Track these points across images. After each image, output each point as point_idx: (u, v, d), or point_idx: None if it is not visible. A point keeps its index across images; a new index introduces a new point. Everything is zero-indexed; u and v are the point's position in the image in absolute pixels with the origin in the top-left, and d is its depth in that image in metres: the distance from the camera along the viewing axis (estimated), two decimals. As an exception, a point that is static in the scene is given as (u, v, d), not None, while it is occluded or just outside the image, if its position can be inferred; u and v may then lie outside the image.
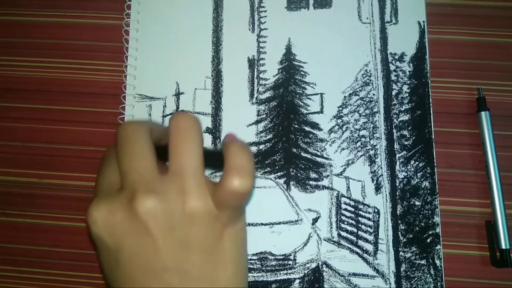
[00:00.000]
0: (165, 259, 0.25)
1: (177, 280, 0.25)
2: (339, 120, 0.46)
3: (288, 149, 0.46)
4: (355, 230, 0.44)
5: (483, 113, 0.44)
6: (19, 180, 0.47)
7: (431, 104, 0.45)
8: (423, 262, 0.43)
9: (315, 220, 0.44)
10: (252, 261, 0.43)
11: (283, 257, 0.43)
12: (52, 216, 0.46)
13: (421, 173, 0.44)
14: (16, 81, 0.48)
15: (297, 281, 0.43)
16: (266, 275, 0.43)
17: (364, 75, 0.46)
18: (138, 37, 0.48)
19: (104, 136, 0.47)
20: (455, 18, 0.48)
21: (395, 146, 0.45)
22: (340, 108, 0.46)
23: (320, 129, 0.46)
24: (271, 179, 0.45)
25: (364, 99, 0.46)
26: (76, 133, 0.47)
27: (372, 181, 0.44)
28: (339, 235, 0.44)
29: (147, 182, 0.25)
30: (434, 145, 0.45)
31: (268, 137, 0.46)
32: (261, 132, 0.46)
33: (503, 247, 0.42)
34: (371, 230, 0.44)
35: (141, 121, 0.28)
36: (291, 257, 0.43)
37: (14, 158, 0.47)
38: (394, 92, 0.46)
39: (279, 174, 0.45)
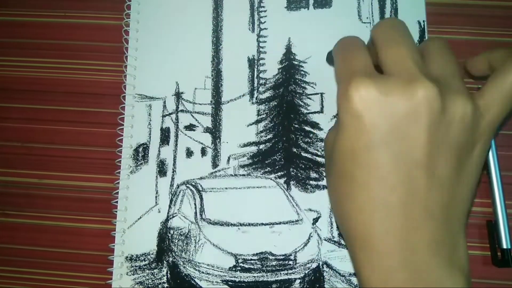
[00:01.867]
0: (421, 152, 0.24)
1: (424, 179, 0.24)
2: (340, 120, 0.46)
3: (288, 148, 0.45)
4: (355, 230, 0.44)
5: (483, 112, 0.44)
6: (19, 181, 0.47)
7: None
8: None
9: (315, 220, 0.44)
10: (252, 261, 0.43)
11: (283, 257, 0.43)
12: (52, 216, 0.46)
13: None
14: (16, 81, 0.48)
15: (298, 281, 0.43)
16: (267, 275, 0.43)
17: (364, 75, 0.46)
18: (138, 37, 0.48)
19: (104, 136, 0.47)
20: (456, 18, 0.48)
21: (396, 146, 0.45)
22: (340, 108, 0.46)
23: (320, 129, 0.46)
24: (271, 179, 0.45)
25: (364, 99, 0.46)
26: (76, 133, 0.47)
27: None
28: (340, 235, 0.44)
29: (427, 74, 0.25)
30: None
31: (268, 136, 0.46)
32: (261, 131, 0.46)
33: (505, 246, 0.42)
34: (372, 230, 0.43)
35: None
36: (292, 257, 0.43)
37: (14, 158, 0.47)
38: (394, 92, 0.46)
39: (279, 174, 0.45)
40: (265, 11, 0.48)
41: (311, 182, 0.45)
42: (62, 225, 0.45)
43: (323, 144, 0.45)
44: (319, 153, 0.45)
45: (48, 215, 0.46)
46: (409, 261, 0.24)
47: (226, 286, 0.43)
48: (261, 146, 0.46)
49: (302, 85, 0.47)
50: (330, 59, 0.32)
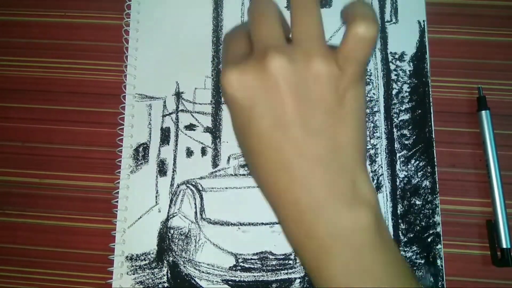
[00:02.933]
0: (292, 113, 0.27)
1: (301, 133, 0.27)
2: (340, 120, 0.46)
3: (288, 148, 0.45)
4: (355, 229, 0.44)
5: (483, 112, 0.44)
6: (19, 180, 0.47)
7: (431, 103, 0.45)
8: (423, 261, 0.43)
9: (315, 220, 0.44)
10: (252, 261, 0.43)
11: (283, 256, 0.43)
12: (52, 216, 0.46)
13: (421, 172, 0.44)
14: (16, 81, 0.48)
15: (298, 280, 0.43)
16: (267, 275, 0.43)
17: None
18: (138, 37, 0.48)
19: (104, 136, 0.47)
20: (456, 17, 0.48)
21: (396, 145, 0.45)
22: (340, 108, 0.46)
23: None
24: None
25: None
26: (76, 133, 0.47)
27: (373, 180, 0.44)
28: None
29: (278, 45, 0.27)
30: (434, 144, 0.45)
31: (268, 136, 0.46)
32: (261, 131, 0.46)
33: (504, 246, 0.42)
34: (372, 230, 0.43)
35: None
36: (292, 257, 0.43)
37: (14, 158, 0.47)
38: (394, 91, 0.46)
39: (279, 173, 0.45)
40: (265, 11, 0.48)
41: (311, 181, 0.45)
42: (63, 224, 0.46)
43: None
44: (319, 153, 0.45)
45: (49, 215, 0.46)
46: (309, 204, 0.27)
47: (226, 286, 0.43)
48: (261, 146, 0.46)
49: (302, 84, 0.47)
50: None
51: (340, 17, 0.30)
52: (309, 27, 0.28)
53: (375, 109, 0.46)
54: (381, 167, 0.45)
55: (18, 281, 0.45)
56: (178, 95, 0.47)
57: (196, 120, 0.46)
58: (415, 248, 0.43)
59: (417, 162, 0.44)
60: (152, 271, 0.44)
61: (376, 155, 0.45)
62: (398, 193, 0.44)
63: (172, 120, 0.46)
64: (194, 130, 0.46)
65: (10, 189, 0.47)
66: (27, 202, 0.46)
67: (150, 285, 0.43)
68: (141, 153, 0.46)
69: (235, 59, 0.30)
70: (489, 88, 0.46)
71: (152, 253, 0.44)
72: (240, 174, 0.45)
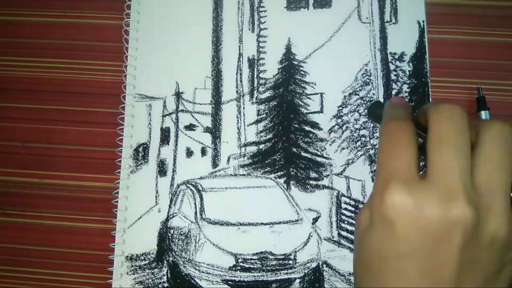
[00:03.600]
0: (450, 271, 0.23)
1: None
2: (339, 120, 0.46)
3: (288, 148, 0.46)
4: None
5: (483, 112, 0.44)
6: (19, 180, 0.47)
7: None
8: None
9: (315, 220, 0.44)
10: (252, 261, 0.43)
11: (283, 256, 0.43)
12: (52, 216, 0.46)
13: (421, 172, 0.44)
14: (15, 81, 0.48)
15: (298, 280, 0.43)
16: (266, 275, 0.43)
17: (364, 75, 0.46)
18: (138, 37, 0.48)
19: (104, 136, 0.47)
20: (455, 18, 0.48)
21: (395, 146, 0.45)
22: (340, 108, 0.46)
23: (320, 129, 0.46)
24: (271, 179, 0.45)
25: (364, 99, 0.46)
26: (76, 133, 0.47)
27: (372, 180, 0.44)
28: (339, 234, 0.44)
29: (467, 188, 0.23)
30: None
31: (268, 136, 0.46)
32: (261, 131, 0.46)
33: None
34: (371, 230, 0.44)
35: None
36: (292, 257, 0.43)
37: (14, 158, 0.47)
38: (394, 92, 0.46)
39: (279, 173, 0.45)
40: (265, 11, 0.48)
41: (311, 181, 0.45)
42: (63, 224, 0.46)
43: (323, 143, 0.45)
44: (318, 153, 0.45)
45: (49, 215, 0.46)
46: None
47: (226, 286, 0.43)
48: (261, 146, 0.46)
49: (302, 85, 0.47)
50: (371, 113, 0.31)
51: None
52: (496, 173, 0.24)
53: (375, 109, 0.46)
54: (381, 167, 0.45)
55: (18, 280, 0.45)
56: (178, 95, 0.47)
57: (196, 120, 0.46)
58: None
59: (417, 162, 0.44)
60: (152, 271, 0.44)
61: (376, 155, 0.45)
62: (397, 193, 0.44)
63: (172, 120, 0.46)
64: (194, 130, 0.46)
65: (10, 189, 0.47)
66: (27, 202, 0.46)
67: (150, 285, 0.43)
68: (141, 153, 0.46)
69: (407, 175, 0.25)
70: (489, 88, 0.46)
71: (152, 253, 0.44)
72: (240, 174, 0.45)
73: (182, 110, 0.47)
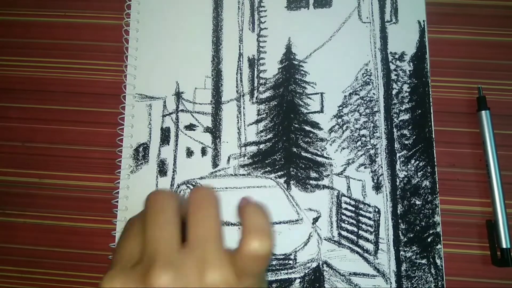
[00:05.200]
0: None
1: None
2: (339, 120, 0.46)
3: (288, 148, 0.46)
4: (355, 229, 0.44)
5: (483, 112, 0.44)
6: (19, 180, 0.47)
7: (431, 103, 0.45)
8: (423, 261, 0.43)
9: (315, 220, 0.44)
10: (252, 261, 0.43)
11: (283, 256, 0.43)
12: (52, 216, 0.46)
13: (421, 172, 0.44)
14: (16, 81, 0.48)
15: (298, 280, 0.43)
16: (267, 275, 0.43)
17: (364, 75, 0.46)
18: (138, 37, 0.48)
19: (104, 136, 0.47)
20: (456, 18, 0.48)
21: (396, 146, 0.45)
22: (340, 108, 0.46)
23: (320, 128, 0.46)
24: (271, 179, 0.45)
25: (364, 99, 0.46)
26: (76, 133, 0.47)
27: (372, 180, 0.44)
28: (339, 234, 0.44)
29: (167, 253, 0.25)
30: (434, 144, 0.45)
31: (268, 136, 0.46)
32: (262, 131, 0.46)
33: (504, 246, 0.42)
34: (372, 230, 0.44)
35: (171, 192, 0.27)
36: (292, 257, 0.43)
37: (14, 158, 0.47)
38: (394, 92, 0.46)
39: (279, 173, 0.45)
40: (265, 10, 0.48)
41: (311, 181, 0.45)
42: (63, 224, 0.46)
43: (323, 143, 0.45)
44: (319, 153, 0.45)
45: (49, 215, 0.46)
46: None
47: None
48: (261, 146, 0.46)
49: (302, 84, 0.47)
50: None
51: (236, 210, 0.27)
52: (205, 228, 0.25)
53: (375, 109, 0.46)
54: (381, 167, 0.45)
55: (18, 280, 0.45)
56: (178, 95, 0.47)
57: (196, 120, 0.46)
58: (415, 248, 0.43)
59: (417, 162, 0.44)
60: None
61: (376, 155, 0.45)
62: (398, 193, 0.44)
63: (172, 120, 0.46)
64: (194, 130, 0.46)
65: (10, 189, 0.47)
66: (27, 202, 0.46)
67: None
68: (141, 153, 0.46)
69: (126, 259, 0.26)
70: (489, 88, 0.46)
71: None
72: (240, 174, 0.45)
73: (182, 110, 0.47)
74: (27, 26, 0.50)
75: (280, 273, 0.43)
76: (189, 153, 0.46)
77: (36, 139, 0.47)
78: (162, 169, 0.45)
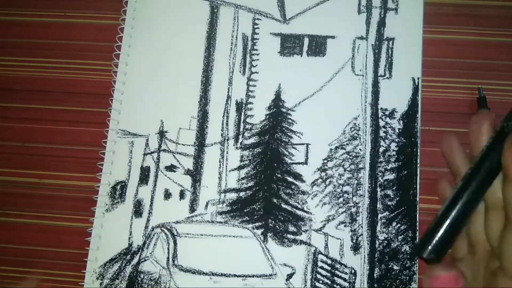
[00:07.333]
0: None
1: None
2: (323, 173, 0.45)
3: (268, 198, 0.44)
4: (330, 289, 0.42)
5: (483, 111, 0.42)
6: (19, 180, 0.47)
7: (418, 165, 0.44)
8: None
9: (289, 276, 0.43)
10: (221, 314, 0.42)
11: (253, 312, 0.42)
12: (52, 216, 0.46)
13: (402, 236, 0.43)
14: (16, 81, 0.49)
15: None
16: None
17: (352, 129, 0.45)
18: (127, 71, 0.47)
19: (104, 136, 0.46)
20: (455, 18, 0.47)
21: (378, 206, 0.44)
22: (325, 161, 0.45)
23: (303, 181, 0.45)
24: (248, 229, 0.44)
25: (351, 154, 0.45)
26: (76, 133, 0.47)
27: (351, 240, 0.43)
28: (312, 294, 0.42)
29: None
30: (418, 209, 0.43)
31: (249, 184, 0.45)
32: (243, 178, 0.45)
33: None
34: (346, 291, 0.42)
35: None
36: (261, 312, 0.42)
37: (14, 158, 0.47)
38: (381, 149, 0.45)
39: (257, 224, 0.44)
40: (257, 54, 0.47)
41: (288, 235, 0.44)
42: (62, 224, 0.45)
43: (304, 197, 0.44)
44: (299, 206, 0.44)
45: (48, 215, 0.46)
46: None
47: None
48: (241, 194, 0.45)
49: (289, 133, 0.46)
50: None
51: None
52: None
53: (360, 166, 0.44)
54: (361, 226, 0.43)
55: (18, 281, 0.45)
56: (161, 133, 0.46)
57: (178, 161, 0.46)
58: (389, 315, 0.42)
59: (399, 225, 0.43)
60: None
61: (358, 214, 0.44)
62: (376, 255, 0.43)
63: (153, 160, 0.46)
64: (174, 171, 0.45)
65: (10, 189, 0.47)
66: (27, 202, 0.46)
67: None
68: (119, 191, 0.45)
69: None
70: (489, 88, 0.44)
71: (121, 299, 0.43)
72: (217, 222, 0.44)
73: (164, 150, 0.46)
74: (27, 26, 0.50)
75: (249, 328, 0.42)
76: (167, 195, 0.45)
77: (36, 139, 0.47)
78: (138, 210, 0.45)
